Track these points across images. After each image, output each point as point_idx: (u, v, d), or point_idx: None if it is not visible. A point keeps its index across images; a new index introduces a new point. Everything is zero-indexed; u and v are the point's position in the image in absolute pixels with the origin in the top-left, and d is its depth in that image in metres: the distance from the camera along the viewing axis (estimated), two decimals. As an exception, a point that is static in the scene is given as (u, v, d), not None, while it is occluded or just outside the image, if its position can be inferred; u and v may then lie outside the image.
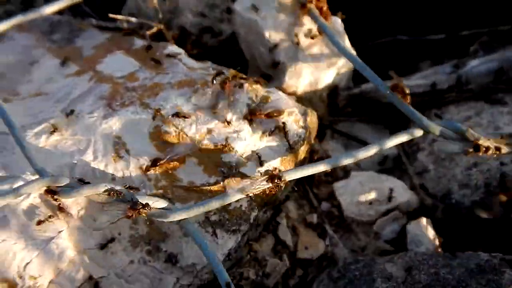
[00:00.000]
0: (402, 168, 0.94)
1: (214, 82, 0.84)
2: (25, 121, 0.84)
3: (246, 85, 0.85)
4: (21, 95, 0.90)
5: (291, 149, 0.82)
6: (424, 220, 0.85)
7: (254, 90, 0.86)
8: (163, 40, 1.00)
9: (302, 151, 0.84)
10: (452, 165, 0.90)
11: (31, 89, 0.91)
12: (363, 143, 0.95)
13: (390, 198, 0.88)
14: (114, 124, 0.82)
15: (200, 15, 1.01)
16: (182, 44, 1.00)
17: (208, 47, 1.01)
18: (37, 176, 0.76)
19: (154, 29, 0.99)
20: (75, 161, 0.81)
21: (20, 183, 0.77)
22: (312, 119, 0.86)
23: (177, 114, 0.81)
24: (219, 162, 0.80)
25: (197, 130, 0.82)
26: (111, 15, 0.98)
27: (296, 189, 0.90)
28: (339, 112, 0.98)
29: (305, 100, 0.95)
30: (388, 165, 0.95)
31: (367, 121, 0.98)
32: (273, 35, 0.92)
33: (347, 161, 0.78)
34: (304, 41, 0.92)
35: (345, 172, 0.93)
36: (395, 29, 1.10)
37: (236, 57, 1.00)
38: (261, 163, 0.80)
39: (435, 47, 1.09)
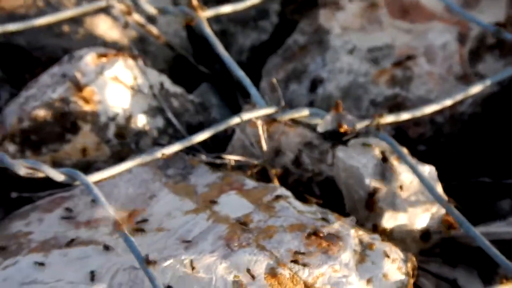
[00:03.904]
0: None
1: (323, 234, 0.92)
2: (150, 257, 0.93)
3: (352, 231, 0.93)
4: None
5: (396, 295, 0.90)
6: None
7: (359, 236, 0.94)
8: (265, 177, 1.09)
9: (405, 296, 0.91)
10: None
11: (152, 224, 1.00)
12: (454, 285, 1.02)
13: None
14: (233, 264, 0.91)
15: (301, 156, 1.11)
16: (284, 182, 1.09)
17: (308, 186, 1.10)
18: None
19: (259, 167, 1.09)
20: (199, 298, 0.89)
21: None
22: (413, 264, 0.94)
23: (293, 261, 0.89)
24: (330, 306, 0.88)
25: (309, 273, 0.90)
26: (223, 155, 1.08)
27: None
28: (429, 252, 1.05)
29: (398, 239, 1.03)
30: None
31: (457, 263, 1.05)
32: (373, 182, 1.01)
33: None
34: (401, 188, 1.01)
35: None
36: (478, 171, 1.19)
37: (333, 195, 1.08)
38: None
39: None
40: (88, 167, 1.15)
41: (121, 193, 1.06)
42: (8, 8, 1.27)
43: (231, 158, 1.09)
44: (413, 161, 1.01)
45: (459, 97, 1.07)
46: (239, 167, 1.11)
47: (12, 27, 1.19)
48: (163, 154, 1.01)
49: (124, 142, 1.17)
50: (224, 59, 1.16)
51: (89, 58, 1.19)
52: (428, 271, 1.04)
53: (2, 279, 0.93)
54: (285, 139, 1.12)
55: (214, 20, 1.39)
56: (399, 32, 1.26)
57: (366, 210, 1.03)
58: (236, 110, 1.33)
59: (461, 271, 1.05)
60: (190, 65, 1.39)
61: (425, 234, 1.03)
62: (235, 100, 1.37)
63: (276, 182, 1.08)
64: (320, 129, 1.02)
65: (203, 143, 1.19)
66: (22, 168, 0.98)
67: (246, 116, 1.05)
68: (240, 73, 1.13)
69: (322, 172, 1.10)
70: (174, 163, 1.10)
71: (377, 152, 1.03)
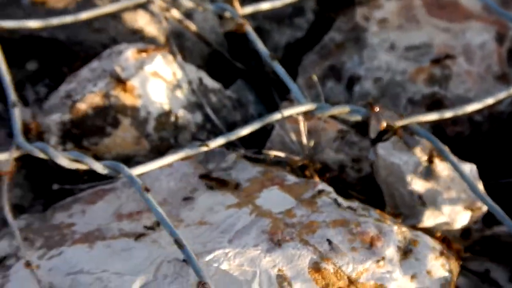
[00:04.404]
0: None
1: (367, 229, 0.93)
2: (194, 249, 0.94)
3: (395, 228, 0.94)
4: (184, 222, 1.00)
5: (439, 291, 0.90)
6: None
7: (402, 233, 0.94)
8: (304, 172, 1.10)
9: (448, 292, 0.92)
10: None
11: (194, 217, 1.01)
12: (494, 284, 1.02)
13: None
14: (277, 258, 0.91)
15: (340, 153, 1.11)
16: (322, 178, 1.09)
17: (347, 182, 1.10)
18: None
19: (299, 163, 1.10)
20: (244, 291, 0.90)
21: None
22: (455, 262, 0.94)
23: (335, 254, 0.90)
24: (375, 301, 0.89)
25: (353, 268, 0.90)
26: (264, 151, 1.09)
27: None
28: (469, 250, 1.06)
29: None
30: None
31: (497, 261, 1.06)
32: (414, 179, 1.01)
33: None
34: (442, 185, 1.01)
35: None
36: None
37: (372, 190, 1.09)
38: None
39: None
40: (128, 161, 1.16)
41: (163, 187, 1.07)
42: (48, 3, 1.29)
43: (273, 153, 1.09)
44: (454, 159, 1.01)
45: (501, 95, 1.08)
46: (277, 162, 1.12)
47: (54, 21, 1.20)
48: (206, 146, 1.02)
49: (163, 137, 1.18)
50: (264, 56, 1.16)
51: (129, 53, 1.20)
52: (468, 269, 1.05)
53: (47, 268, 0.94)
54: (324, 135, 1.13)
55: (250, 17, 1.40)
56: (437, 30, 1.26)
57: (408, 208, 1.03)
58: (271, 106, 1.33)
59: (501, 270, 1.06)
60: (225, 61, 1.40)
61: (466, 232, 1.03)
62: (270, 96, 1.37)
63: (316, 178, 1.08)
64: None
65: (241, 139, 1.20)
66: (65, 160, 0.99)
67: (287, 112, 1.06)
68: (280, 70, 1.14)
69: (361, 169, 1.11)
70: (214, 158, 1.11)
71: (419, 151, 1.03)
